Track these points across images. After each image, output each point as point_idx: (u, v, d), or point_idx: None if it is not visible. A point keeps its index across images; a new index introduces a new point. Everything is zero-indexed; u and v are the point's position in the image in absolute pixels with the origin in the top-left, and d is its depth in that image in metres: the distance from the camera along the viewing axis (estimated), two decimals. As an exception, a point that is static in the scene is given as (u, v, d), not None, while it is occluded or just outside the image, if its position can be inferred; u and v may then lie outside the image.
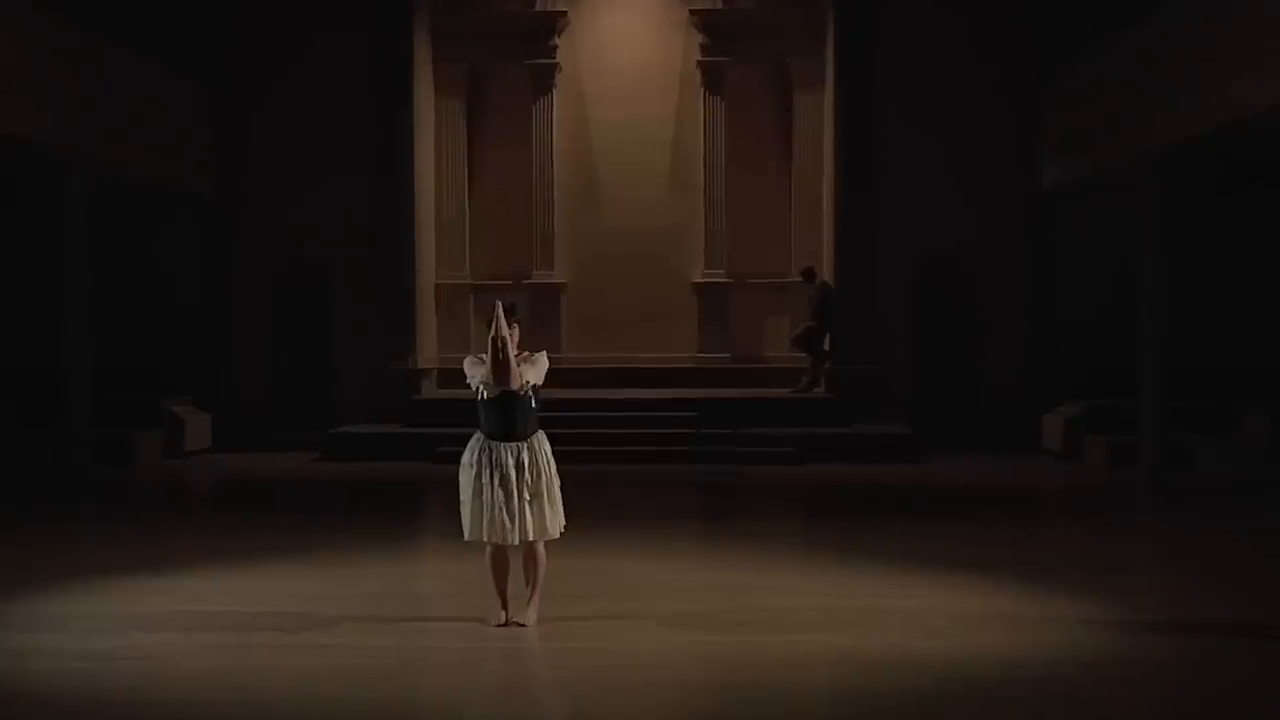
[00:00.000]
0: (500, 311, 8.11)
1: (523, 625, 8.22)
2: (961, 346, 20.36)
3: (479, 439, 8.22)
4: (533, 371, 8.24)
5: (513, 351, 8.17)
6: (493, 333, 8.10)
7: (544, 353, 8.43)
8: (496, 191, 21.62)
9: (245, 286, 20.70)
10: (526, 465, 8.15)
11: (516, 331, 8.21)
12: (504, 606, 8.33)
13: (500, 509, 8.09)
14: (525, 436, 8.19)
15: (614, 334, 21.24)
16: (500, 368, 8.10)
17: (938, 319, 20.36)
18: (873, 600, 9.18)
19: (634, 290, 21.35)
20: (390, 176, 20.43)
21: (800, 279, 19.88)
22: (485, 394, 8.17)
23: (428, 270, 21.21)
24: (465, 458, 8.23)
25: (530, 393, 8.20)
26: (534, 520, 8.17)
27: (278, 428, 20.32)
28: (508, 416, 8.17)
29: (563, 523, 8.34)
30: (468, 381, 8.30)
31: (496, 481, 8.09)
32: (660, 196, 21.62)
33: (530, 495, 8.14)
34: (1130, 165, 16.39)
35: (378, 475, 17.11)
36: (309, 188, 20.52)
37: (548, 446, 8.28)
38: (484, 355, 8.24)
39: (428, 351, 21.04)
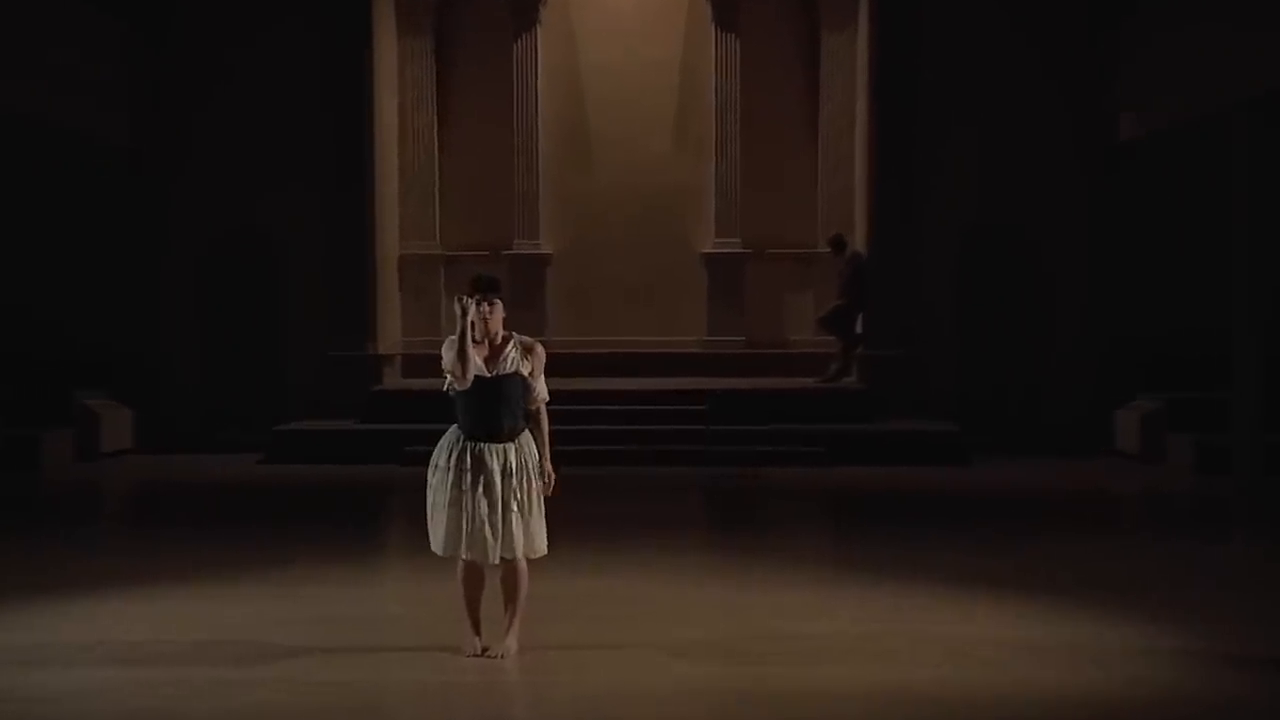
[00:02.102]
0: (466, 308, 7.99)
1: (500, 656, 8.19)
2: (1016, 329, 20.33)
3: (456, 437, 8.17)
4: (536, 368, 8.16)
5: (493, 330, 8.09)
6: (461, 325, 8.00)
7: (539, 344, 8.33)
8: (471, 147, 21.58)
9: (174, 259, 20.67)
10: (514, 469, 8.11)
11: (499, 310, 8.16)
12: (477, 633, 8.30)
13: (483, 521, 8.05)
14: (513, 436, 8.16)
15: (609, 314, 21.23)
16: (468, 360, 7.98)
17: (988, 297, 20.34)
18: (912, 626, 9.17)
19: (632, 263, 21.33)
20: (345, 129, 20.38)
21: (828, 249, 19.85)
22: (455, 388, 8.11)
23: (390, 240, 21.18)
24: (439, 458, 8.18)
25: (521, 380, 8.13)
26: (521, 534, 8.13)
27: (213, 424, 20.30)
28: (492, 411, 8.11)
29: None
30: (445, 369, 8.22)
31: (480, 489, 8.05)
32: (663, 152, 21.59)
33: (517, 506, 8.10)
34: (1219, 115, 16.35)
35: (333, 480, 17.09)
36: (250, 142, 20.47)
37: (534, 447, 8.25)
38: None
39: (390, 335, 21.03)
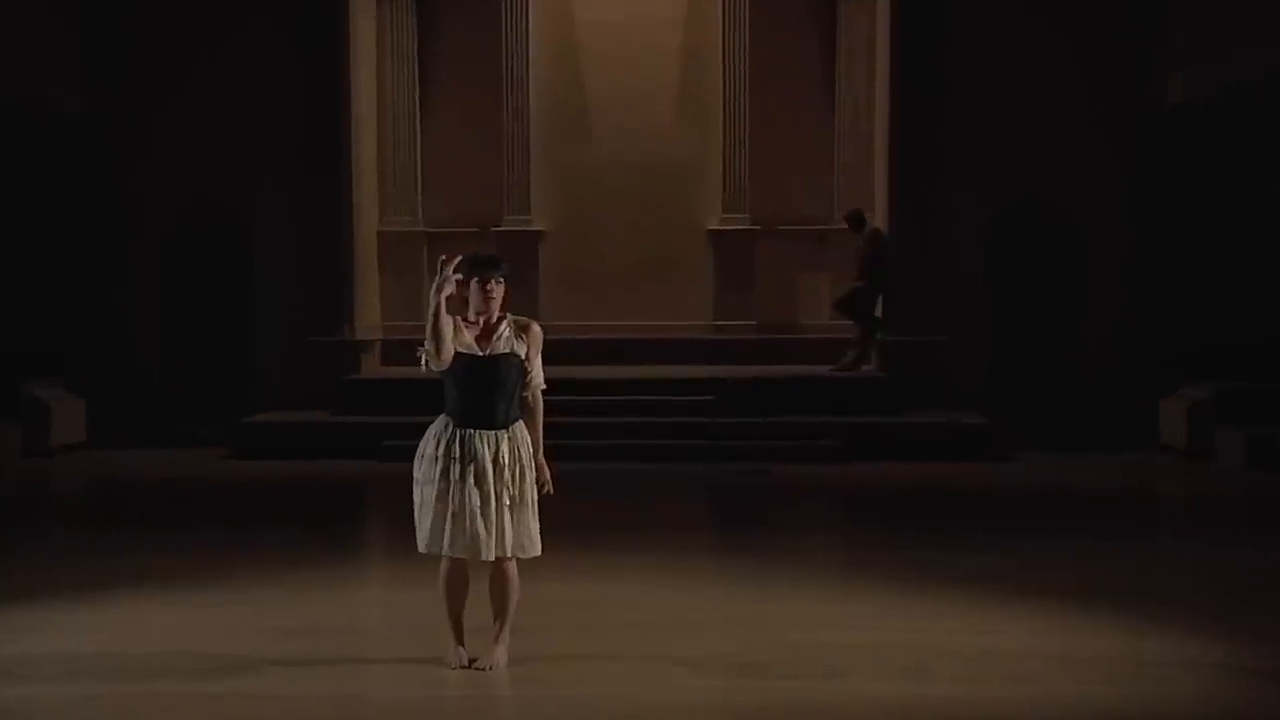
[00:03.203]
0: (444, 278, 7.94)
1: (487, 669, 8.19)
2: (1051, 312, 20.32)
3: (445, 425, 8.16)
4: (532, 350, 8.15)
5: (490, 311, 8.06)
6: (434, 299, 7.93)
7: (535, 324, 8.29)
8: (456, 114, 21.57)
9: (134, 237, 20.66)
10: (507, 461, 8.10)
11: (501, 290, 8.13)
12: (461, 642, 8.30)
13: (474, 516, 8.04)
14: (507, 424, 8.15)
15: (606, 296, 21.23)
16: (442, 338, 7.94)
17: (1020, 277, 20.33)
18: (940, 637, 9.17)
19: (631, 240, 21.33)
20: (318, 92, 20.37)
21: (845, 225, 19.85)
22: (430, 366, 8.05)
23: (368, 216, 21.18)
24: (426, 447, 8.16)
25: (517, 362, 8.11)
26: (512, 533, 8.12)
27: (175, 416, 20.30)
28: (485, 394, 8.09)
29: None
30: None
31: (471, 480, 8.05)
32: (666, 121, 21.58)
33: (509, 501, 8.10)
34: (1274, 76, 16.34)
35: (305, 477, 17.10)
36: (217, 112, 20.45)
37: (529, 437, 8.23)
38: (453, 318, 8.12)
39: (368, 318, 21.02)
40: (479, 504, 8.04)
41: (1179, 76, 19.40)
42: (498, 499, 8.07)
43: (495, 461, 8.07)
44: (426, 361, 8.04)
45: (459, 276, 8.01)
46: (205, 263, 20.69)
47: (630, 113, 21.53)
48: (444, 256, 8.06)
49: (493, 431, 8.09)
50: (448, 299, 7.97)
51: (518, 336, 8.17)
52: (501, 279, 8.12)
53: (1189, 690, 7.99)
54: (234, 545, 12.81)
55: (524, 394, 8.23)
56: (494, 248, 20.16)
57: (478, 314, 8.14)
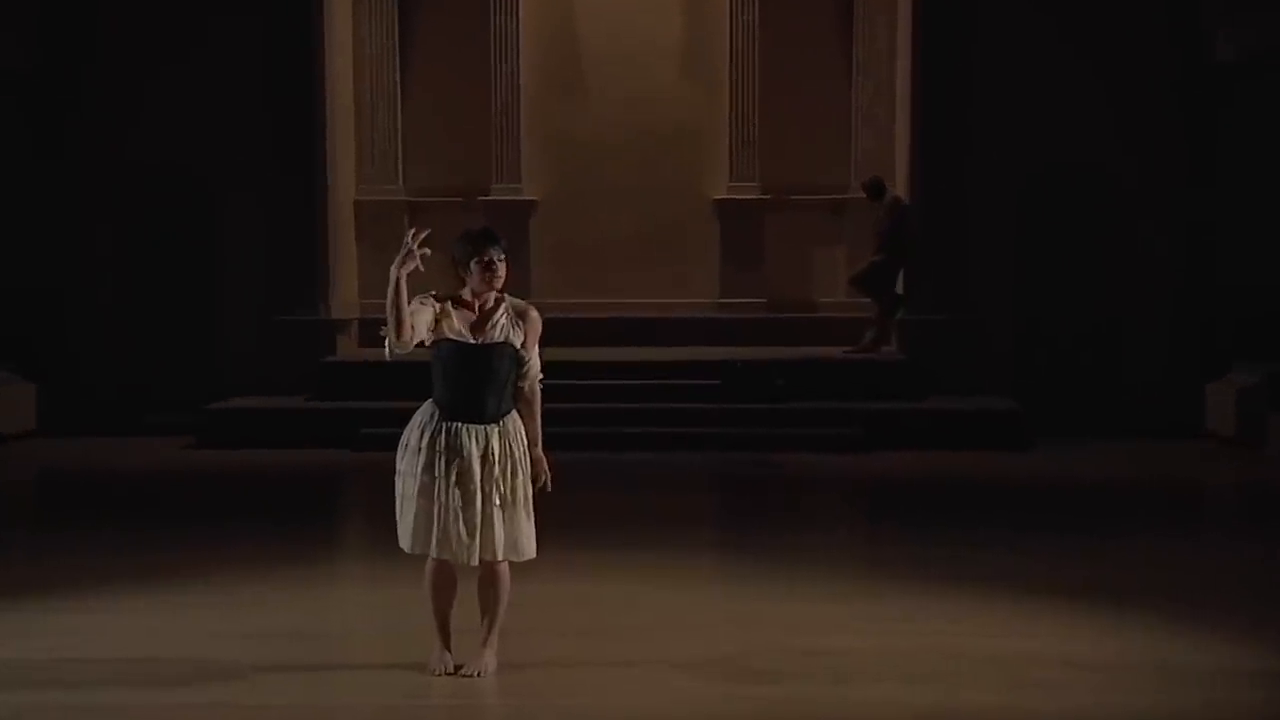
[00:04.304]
0: (407, 255, 7.99)
1: (475, 675, 8.24)
2: (1087, 289, 20.31)
3: (430, 414, 8.17)
4: (530, 339, 8.18)
5: (489, 292, 8.09)
6: (395, 272, 7.97)
7: (534, 310, 8.30)
8: (441, 73, 21.54)
9: (88, 206, 20.63)
10: (497, 456, 8.11)
11: (504, 268, 8.16)
12: (447, 647, 8.34)
13: (457, 515, 8.07)
14: (498, 417, 8.17)
15: (603, 271, 21.22)
16: (402, 317, 7.97)
17: (1054, 251, 20.29)
18: (963, 640, 9.21)
19: (631, 211, 21.31)
20: (289, 48, 20.32)
21: (863, 194, 19.85)
22: (394, 350, 8.08)
23: (344, 183, 21.15)
24: (410, 437, 8.18)
25: (512, 351, 8.15)
26: (503, 534, 8.14)
27: (135, 402, 20.30)
28: (475, 386, 8.10)
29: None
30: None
31: (454, 477, 8.07)
32: (669, 82, 21.54)
33: (500, 500, 8.11)
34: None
35: (277, 468, 17.12)
36: (177, 68, 20.41)
37: (523, 432, 8.25)
38: (438, 296, 8.15)
39: (345, 295, 21.01)
40: (461, 504, 8.05)
41: (1227, 33, 19.37)
42: (485, 499, 8.07)
43: (484, 458, 8.08)
44: (390, 344, 8.04)
45: (426, 251, 8.02)
46: (168, 235, 20.64)
47: (630, 71, 21.49)
48: (413, 229, 8.12)
49: (482, 426, 8.11)
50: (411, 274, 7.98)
51: (515, 323, 8.17)
52: (504, 256, 8.16)
53: (1232, 698, 8.03)
54: (199, 543, 12.80)
55: (520, 385, 8.26)
56: (481, 219, 20.18)
57: (476, 295, 8.15)
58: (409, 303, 7.99)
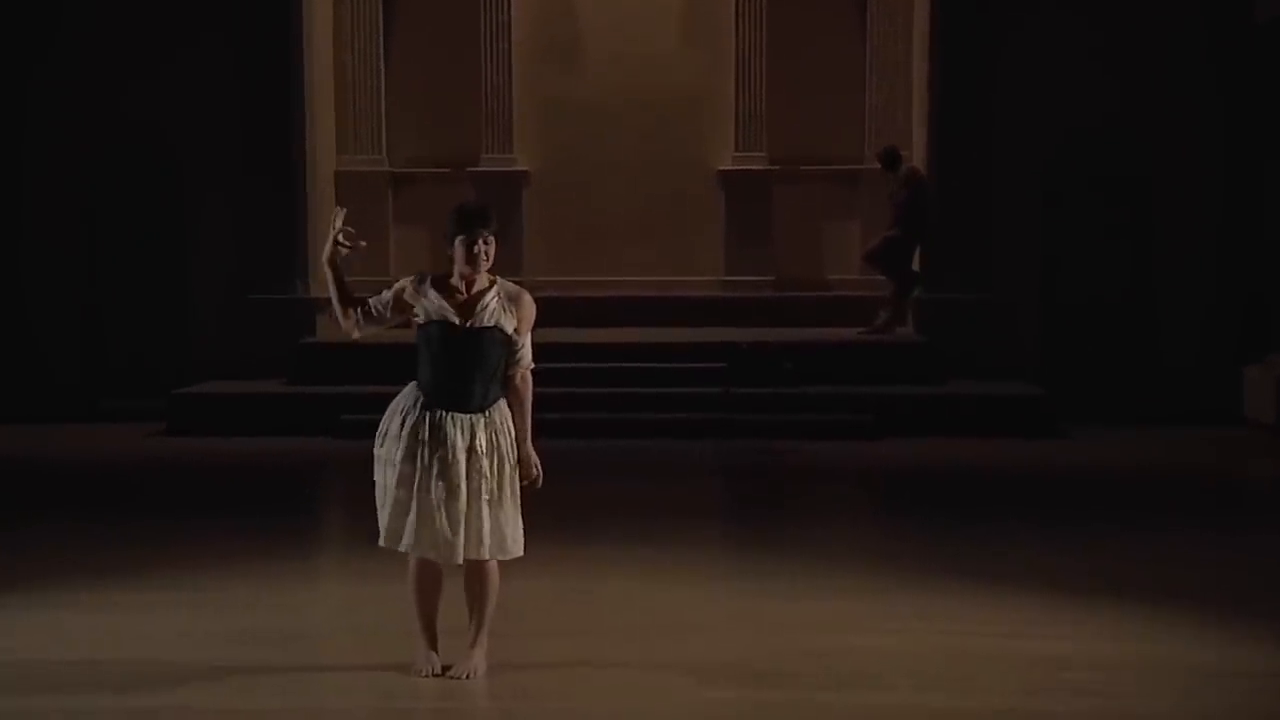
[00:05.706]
0: (336, 222, 8.11)
1: (464, 678, 8.25)
2: (1117, 267, 20.34)
3: (413, 399, 8.16)
4: (522, 324, 8.17)
5: (478, 273, 8.10)
6: (329, 248, 8.09)
7: (527, 294, 8.28)
8: (427, 36, 21.56)
9: (47, 175, 20.63)
10: (483, 448, 8.10)
11: (492, 250, 8.13)
12: (434, 648, 8.35)
13: (440, 512, 8.05)
14: (485, 407, 8.15)
15: (600, 247, 21.25)
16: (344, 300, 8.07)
17: (1081, 228, 20.35)
18: (980, 641, 9.22)
19: (630, 183, 21.34)
20: (266, 10, 20.32)
21: (877, 165, 19.86)
22: (358, 332, 8.15)
23: (324, 153, 21.16)
24: (390, 424, 8.17)
25: (502, 337, 8.11)
26: (490, 531, 8.13)
27: (97, 386, 20.31)
28: (461, 373, 8.08)
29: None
30: (414, 314, 8.19)
31: (436, 471, 8.06)
32: (671, 48, 21.57)
33: (487, 495, 8.09)
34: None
35: (251, 457, 17.15)
36: (142, 23, 20.39)
37: (510, 423, 8.22)
38: (421, 277, 8.17)
39: (325, 271, 21.00)
40: (444, 497, 8.02)
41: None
42: (471, 494, 8.05)
43: (470, 450, 8.06)
44: (357, 327, 8.27)
45: (351, 229, 8.09)
46: (133, 207, 20.68)
47: (627, 36, 21.51)
48: (338, 208, 8.16)
49: (468, 415, 8.09)
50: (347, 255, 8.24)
51: (505, 308, 8.13)
52: (492, 236, 8.14)
53: (1273, 708, 8.04)
54: (169, 537, 12.80)
55: (510, 373, 8.24)
56: (470, 191, 20.19)
57: (461, 276, 8.15)
58: (385, 291, 8.16)
